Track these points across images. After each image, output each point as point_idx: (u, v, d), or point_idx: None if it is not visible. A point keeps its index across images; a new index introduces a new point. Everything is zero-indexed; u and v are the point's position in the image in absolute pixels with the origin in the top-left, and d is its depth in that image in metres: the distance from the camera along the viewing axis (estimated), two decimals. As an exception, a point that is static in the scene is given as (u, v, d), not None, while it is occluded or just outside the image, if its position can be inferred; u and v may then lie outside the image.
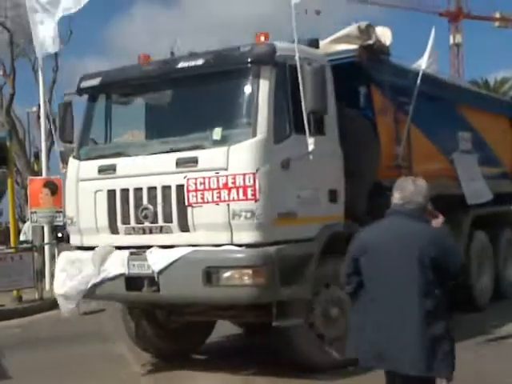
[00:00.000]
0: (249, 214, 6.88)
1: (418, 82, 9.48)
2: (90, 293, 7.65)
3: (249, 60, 7.17)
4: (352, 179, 8.29)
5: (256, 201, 6.88)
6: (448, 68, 53.82)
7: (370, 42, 8.57)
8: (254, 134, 7.02)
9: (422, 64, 9.84)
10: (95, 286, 7.51)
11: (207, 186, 7.01)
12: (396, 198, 4.58)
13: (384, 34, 8.79)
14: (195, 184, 7.06)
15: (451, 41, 58.31)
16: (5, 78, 23.69)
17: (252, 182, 6.87)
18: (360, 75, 8.76)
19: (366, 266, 4.53)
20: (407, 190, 4.56)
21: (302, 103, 7.05)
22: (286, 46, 7.31)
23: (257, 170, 6.89)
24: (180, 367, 8.35)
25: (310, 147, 7.08)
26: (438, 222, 4.61)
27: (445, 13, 57.03)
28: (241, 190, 6.90)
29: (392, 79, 9.15)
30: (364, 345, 4.47)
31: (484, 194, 11.44)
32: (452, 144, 10.89)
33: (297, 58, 7.11)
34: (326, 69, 7.46)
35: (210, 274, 6.89)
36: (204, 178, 7.02)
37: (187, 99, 7.79)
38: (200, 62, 7.32)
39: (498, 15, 56.96)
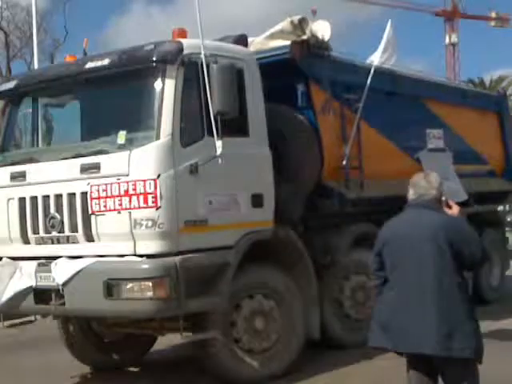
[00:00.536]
0: (150, 223, 6.45)
1: (370, 77, 8.96)
2: (3, 307, 7.32)
3: (153, 59, 6.70)
4: (286, 182, 7.83)
5: (157, 208, 6.45)
6: (444, 67, 54.51)
7: (304, 37, 8.08)
8: (158, 137, 6.59)
9: (375, 59, 9.28)
10: (7, 300, 7.16)
11: (109, 193, 6.59)
12: (411, 194, 4.81)
13: (321, 29, 8.27)
14: (98, 191, 6.64)
15: (447, 40, 58.30)
16: (1, 78, 23.61)
17: (153, 188, 6.44)
18: (297, 72, 8.29)
19: (386, 257, 4.67)
20: (420, 186, 4.78)
21: (209, 104, 6.59)
22: (196, 44, 6.83)
23: (158, 176, 6.46)
24: (106, 380, 7.99)
25: (219, 150, 6.60)
26: (454, 212, 4.76)
27: (441, 12, 56.85)
28: (141, 198, 6.47)
29: (335, 75, 8.68)
30: (378, 331, 4.64)
31: (458, 194, 10.82)
32: (418, 142, 10.32)
33: (202, 55, 6.64)
34: (237, 67, 6.95)
35: (111, 287, 6.46)
36: (106, 184, 6.61)
37: (96, 101, 7.42)
38: (106, 62, 6.89)
39: (493, 15, 56.78)
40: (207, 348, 7.07)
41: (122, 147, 6.69)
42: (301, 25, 8.07)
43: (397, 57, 9.59)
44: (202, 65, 6.71)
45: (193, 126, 6.83)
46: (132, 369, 8.54)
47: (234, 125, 7.11)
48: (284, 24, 8.18)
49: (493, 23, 57.69)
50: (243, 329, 7.22)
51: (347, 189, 8.66)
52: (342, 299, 8.69)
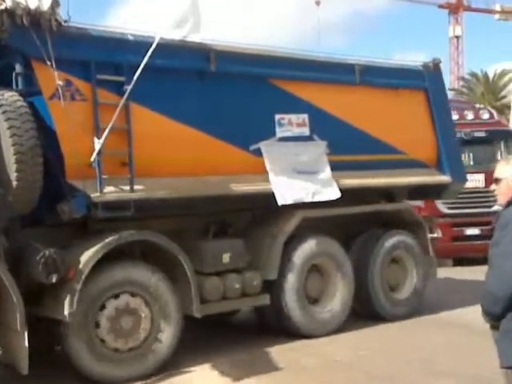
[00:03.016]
0: None
1: (148, 55, 6.91)
2: None
3: None
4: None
5: None
6: (448, 60, 52.17)
7: (2, 6, 6.19)
8: None
9: (163, 33, 7.17)
10: None
11: None
12: None
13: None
14: None
15: (451, 33, 55.03)
16: None
17: None
18: (8, 50, 6.44)
19: None
20: None
21: None
22: None
23: None
24: None
25: None
26: None
27: (445, 5, 53.40)
28: None
29: (81, 53, 6.73)
30: None
31: (326, 190, 8.49)
32: (255, 130, 8.08)
33: None
34: None
35: None
36: None
37: None
38: None
39: (498, 8, 52.42)
40: None
41: None
42: (-1, -9, 6.19)
43: (201, 30, 7.40)
44: None
45: None
46: None
47: None
48: (-17, -9, 6.31)
49: (497, 16, 53.47)
50: None
51: (99, 190, 6.68)
52: (96, 327, 6.75)
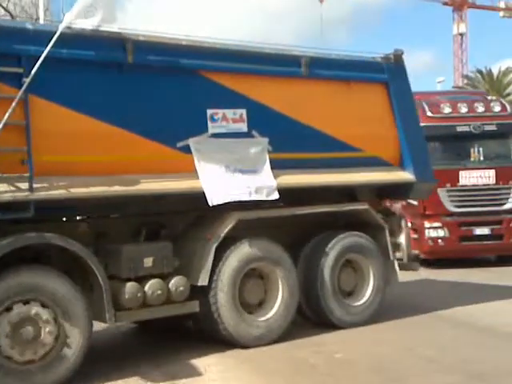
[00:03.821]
0: None
1: (51, 44, 6.31)
2: None
3: None
4: None
5: None
6: (452, 57, 51.41)
7: None
8: None
9: (65, 21, 6.55)
10: None
11: None
12: None
13: None
14: None
15: (455, 30, 53.65)
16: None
17: None
18: None
19: None
20: None
21: None
22: None
23: None
24: None
25: None
26: None
27: (449, 2, 52.66)
28: None
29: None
30: None
31: (266, 190, 7.76)
32: (184, 126, 7.39)
33: None
34: None
35: None
36: None
37: None
38: None
39: (502, 5, 52.11)
40: None
41: None
42: None
43: (116, 18, 6.76)
44: None
45: None
46: None
47: None
48: None
49: (501, 13, 52.86)
50: None
51: (-10, 190, 6.06)
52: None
